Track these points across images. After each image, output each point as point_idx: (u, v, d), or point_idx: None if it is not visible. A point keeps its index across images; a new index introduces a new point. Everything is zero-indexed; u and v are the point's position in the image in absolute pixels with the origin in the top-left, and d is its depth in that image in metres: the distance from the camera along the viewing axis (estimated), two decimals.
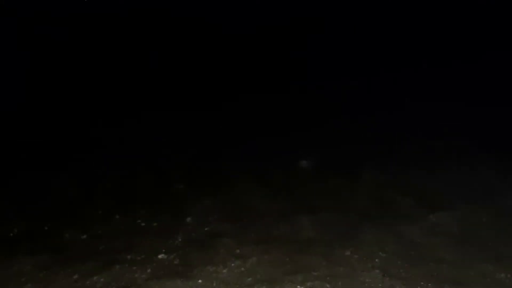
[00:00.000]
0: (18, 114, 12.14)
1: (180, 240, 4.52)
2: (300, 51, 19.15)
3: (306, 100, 13.11)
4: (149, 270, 4.07)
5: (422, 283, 3.91)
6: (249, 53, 19.63)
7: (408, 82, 14.30)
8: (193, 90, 14.98)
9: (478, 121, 9.97)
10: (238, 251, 4.24)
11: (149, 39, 18.94)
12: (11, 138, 9.98)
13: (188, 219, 4.95)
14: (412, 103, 11.82)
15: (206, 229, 4.70)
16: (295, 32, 19.96)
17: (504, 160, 7.51)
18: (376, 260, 4.10)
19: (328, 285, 3.85)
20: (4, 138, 9.94)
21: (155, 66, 18.42)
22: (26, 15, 17.55)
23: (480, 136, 8.98)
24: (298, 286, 3.93)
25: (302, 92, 14.21)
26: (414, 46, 18.69)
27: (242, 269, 4.04)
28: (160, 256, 4.24)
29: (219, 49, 19.17)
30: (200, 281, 3.98)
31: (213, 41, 19.51)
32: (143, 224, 5.01)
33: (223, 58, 19.23)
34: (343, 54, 19.24)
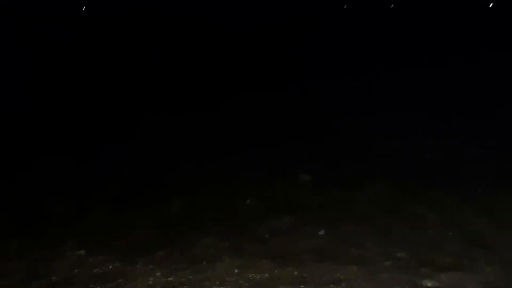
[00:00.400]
0: (18, 114, 12.12)
1: (179, 253, 4.44)
2: (300, 51, 19.16)
3: (306, 100, 13.09)
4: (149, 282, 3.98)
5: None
6: (249, 53, 19.62)
7: (408, 82, 14.29)
8: (193, 90, 14.97)
9: (479, 121, 9.95)
10: (237, 266, 4.15)
11: (149, 39, 18.94)
12: (11, 138, 9.97)
13: (189, 234, 4.83)
14: (411, 103, 11.80)
15: (205, 244, 4.59)
16: (295, 32, 19.96)
17: (506, 162, 7.44)
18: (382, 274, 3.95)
19: None
20: (4, 138, 9.92)
21: (155, 66, 18.42)
22: (26, 15, 17.54)
23: (480, 136, 8.96)
24: None
25: (302, 92, 14.19)
26: (414, 46, 18.70)
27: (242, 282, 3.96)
28: (157, 273, 4.14)
29: (219, 49, 19.17)
30: None
31: (213, 41, 19.52)
32: (141, 235, 4.91)
33: (223, 58, 19.23)
34: (343, 54, 19.24)
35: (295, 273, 4.01)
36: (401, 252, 4.31)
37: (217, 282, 3.90)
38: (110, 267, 4.18)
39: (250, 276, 3.95)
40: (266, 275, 3.97)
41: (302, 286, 3.83)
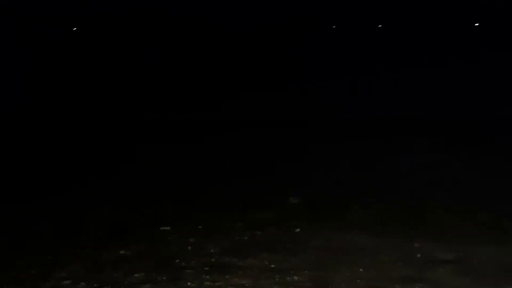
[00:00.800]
0: (18, 114, 12.12)
1: (165, 278, 4.36)
2: (300, 51, 19.18)
3: (306, 100, 13.07)
4: None
5: None
6: (249, 53, 19.63)
7: (408, 82, 14.30)
8: (192, 90, 14.97)
9: (480, 124, 9.94)
10: None
11: (149, 39, 18.96)
12: (11, 138, 9.96)
13: (177, 261, 4.70)
14: (411, 103, 11.79)
15: (192, 269, 4.48)
16: (295, 32, 19.97)
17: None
18: None
19: None
20: (4, 138, 9.92)
21: (155, 66, 18.45)
22: (26, 15, 17.57)
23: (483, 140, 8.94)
24: None
25: (302, 92, 14.19)
26: (414, 46, 18.72)
27: None
28: None
29: (219, 49, 19.19)
30: None
31: (213, 41, 19.53)
32: (131, 263, 4.75)
33: (223, 58, 19.25)
34: (343, 54, 19.26)
35: None
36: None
37: None
38: None
39: None
40: None
41: None
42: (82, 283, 4.17)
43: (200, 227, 5.39)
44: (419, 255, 4.53)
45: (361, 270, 4.28)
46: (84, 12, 18.65)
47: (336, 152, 8.30)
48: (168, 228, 5.44)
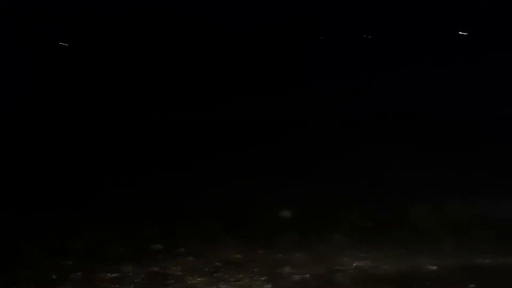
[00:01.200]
0: (18, 114, 12.12)
1: None
2: (300, 51, 19.18)
3: (306, 100, 13.07)
4: None
5: None
6: (249, 53, 19.63)
7: (408, 82, 14.30)
8: (192, 90, 14.97)
9: (480, 124, 9.95)
10: None
11: (149, 39, 18.95)
12: (11, 138, 9.95)
13: (168, 277, 4.64)
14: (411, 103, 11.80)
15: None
16: (295, 32, 19.95)
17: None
18: None
19: None
20: (4, 138, 9.91)
21: (155, 66, 18.44)
22: (26, 15, 17.56)
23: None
24: None
25: (302, 92, 14.19)
26: (414, 46, 18.70)
27: None
28: None
29: (219, 49, 19.18)
30: None
31: (213, 41, 19.52)
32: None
33: (223, 58, 19.24)
34: (343, 54, 19.25)
35: None
36: None
37: None
38: None
39: None
40: None
41: None
42: None
43: (191, 242, 5.32)
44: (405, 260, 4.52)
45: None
46: (84, 12, 18.64)
47: (336, 152, 8.31)
48: (160, 246, 5.38)
